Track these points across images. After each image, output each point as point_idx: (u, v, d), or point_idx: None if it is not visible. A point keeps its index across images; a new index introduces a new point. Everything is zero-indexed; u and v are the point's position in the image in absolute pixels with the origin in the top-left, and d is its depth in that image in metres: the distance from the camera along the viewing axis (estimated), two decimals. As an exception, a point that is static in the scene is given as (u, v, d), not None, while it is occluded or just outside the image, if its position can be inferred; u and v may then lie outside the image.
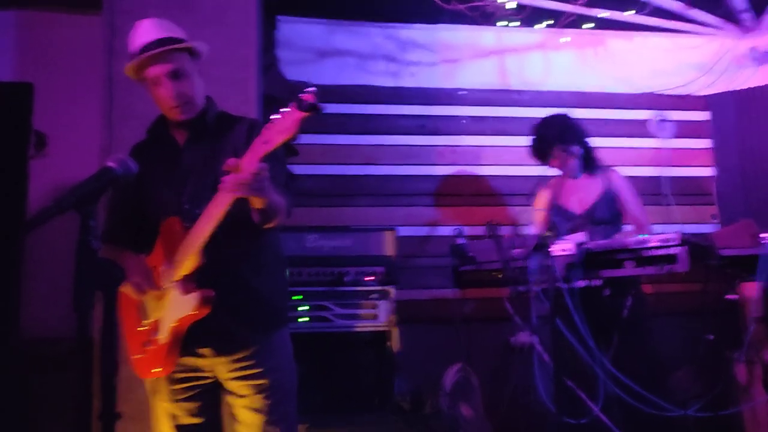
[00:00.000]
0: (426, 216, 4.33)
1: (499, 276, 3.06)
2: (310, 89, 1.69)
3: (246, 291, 2.07)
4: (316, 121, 4.69)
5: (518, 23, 4.31)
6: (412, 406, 3.12)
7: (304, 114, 1.69)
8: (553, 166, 3.39)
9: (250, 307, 2.08)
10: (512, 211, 4.20)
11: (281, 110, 1.73)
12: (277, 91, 3.85)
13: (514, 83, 4.61)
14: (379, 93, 4.42)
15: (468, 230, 4.04)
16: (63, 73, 3.46)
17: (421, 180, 4.37)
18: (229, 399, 2.13)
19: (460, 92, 4.51)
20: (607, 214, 3.33)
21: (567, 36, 4.61)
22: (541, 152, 3.41)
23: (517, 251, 2.90)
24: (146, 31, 2.06)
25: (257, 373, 2.07)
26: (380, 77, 4.46)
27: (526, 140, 4.47)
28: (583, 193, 3.39)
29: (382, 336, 3.37)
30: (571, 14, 4.28)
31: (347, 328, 3.35)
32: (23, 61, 3.53)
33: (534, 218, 3.52)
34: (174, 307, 1.98)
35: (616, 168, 3.48)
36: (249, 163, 1.77)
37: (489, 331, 3.99)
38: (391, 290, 3.41)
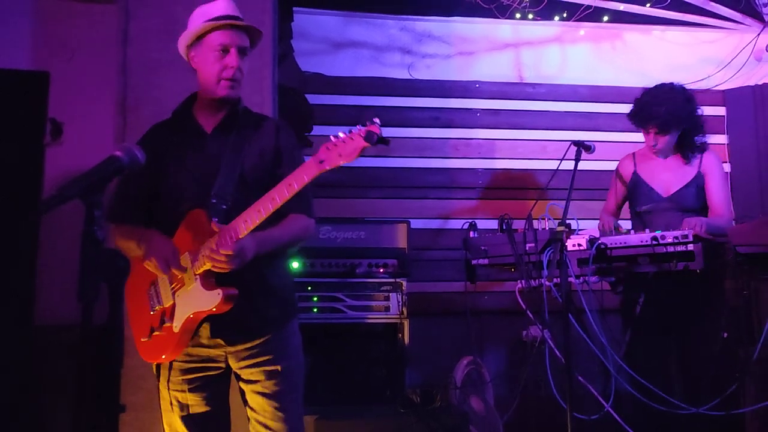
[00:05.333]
0: (439, 209, 4.32)
1: (512, 270, 3.05)
2: (375, 120, 1.76)
3: (264, 286, 2.10)
4: (330, 113, 4.70)
5: (533, 16, 4.29)
6: (422, 399, 3.11)
7: (368, 145, 1.77)
8: (646, 139, 3.15)
9: (267, 301, 2.11)
10: (526, 204, 4.18)
11: (345, 134, 1.80)
12: (292, 82, 3.85)
13: (530, 77, 4.58)
14: (393, 85, 4.40)
15: (481, 223, 4.03)
16: (79, 62, 3.47)
17: (435, 172, 4.36)
18: (241, 384, 2.15)
19: (474, 85, 4.49)
20: (695, 202, 3.09)
21: (583, 29, 4.57)
22: (643, 121, 3.12)
23: (529, 245, 2.89)
24: (224, 6, 2.12)
25: (269, 359, 2.09)
26: (395, 69, 4.44)
27: (540, 134, 4.49)
28: (671, 175, 3.16)
29: (393, 328, 3.37)
30: (588, 7, 4.24)
31: (359, 320, 3.36)
32: (40, 50, 3.55)
33: (609, 196, 3.37)
34: (193, 299, 1.99)
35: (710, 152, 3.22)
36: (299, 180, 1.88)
37: (501, 324, 3.99)
38: (403, 282, 3.41)
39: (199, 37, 2.10)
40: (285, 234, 2.11)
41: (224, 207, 2.02)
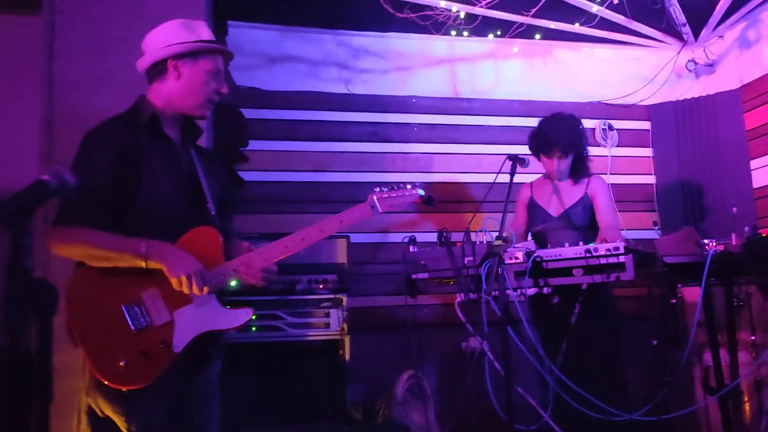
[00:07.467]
0: (378, 223, 4.32)
1: (451, 283, 3.08)
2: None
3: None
4: (266, 128, 4.64)
5: (468, 33, 4.37)
6: (364, 415, 3.10)
7: (421, 203, 2.16)
8: (543, 163, 3.44)
9: None
10: (464, 217, 4.24)
11: (403, 191, 2.19)
12: (227, 97, 3.78)
13: (465, 92, 4.66)
14: (330, 100, 4.40)
15: (420, 237, 4.06)
16: (1, 76, 3.32)
17: (373, 187, 4.35)
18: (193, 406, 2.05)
19: (411, 100, 4.54)
20: (582, 219, 3.37)
21: (516, 46, 4.69)
22: (536, 149, 3.43)
23: (468, 259, 2.91)
24: (209, 30, 2.14)
25: (214, 381, 2.10)
26: (332, 84, 4.44)
27: (476, 148, 4.57)
28: (563, 196, 3.44)
29: (334, 344, 3.34)
30: (521, 25, 4.36)
31: (299, 338, 3.31)
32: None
33: (513, 221, 3.55)
34: (206, 317, 1.96)
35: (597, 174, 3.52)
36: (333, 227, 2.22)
37: (441, 337, 4.02)
38: (344, 298, 3.39)
39: (193, 54, 2.10)
40: None
41: (219, 227, 2.09)
